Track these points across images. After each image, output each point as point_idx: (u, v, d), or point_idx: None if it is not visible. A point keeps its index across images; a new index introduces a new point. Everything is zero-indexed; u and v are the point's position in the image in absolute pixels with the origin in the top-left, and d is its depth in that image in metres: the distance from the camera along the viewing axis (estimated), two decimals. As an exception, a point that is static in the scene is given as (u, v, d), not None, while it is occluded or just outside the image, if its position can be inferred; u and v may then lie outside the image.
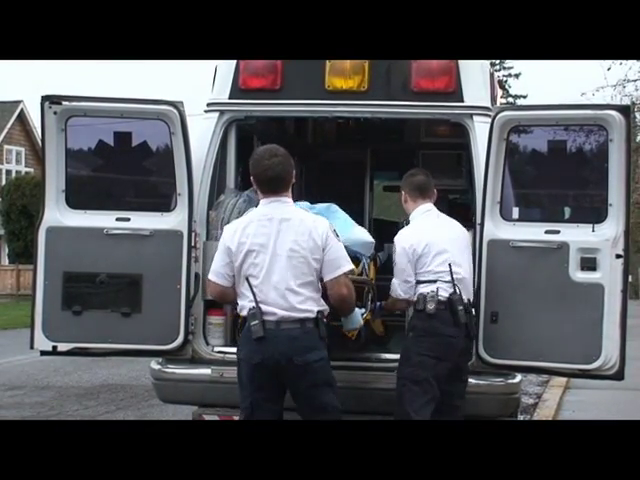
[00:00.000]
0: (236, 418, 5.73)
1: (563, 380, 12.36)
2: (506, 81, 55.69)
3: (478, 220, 6.03)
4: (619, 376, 5.81)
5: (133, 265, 6.10)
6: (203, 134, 6.46)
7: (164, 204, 6.20)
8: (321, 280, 5.33)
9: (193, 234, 6.12)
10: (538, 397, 12.04)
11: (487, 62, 6.72)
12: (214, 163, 6.43)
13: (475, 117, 6.32)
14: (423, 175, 6.20)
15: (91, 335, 6.13)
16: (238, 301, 5.40)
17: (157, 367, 6.37)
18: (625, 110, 5.78)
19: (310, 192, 8.29)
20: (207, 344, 6.30)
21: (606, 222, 5.80)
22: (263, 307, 5.24)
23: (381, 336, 6.60)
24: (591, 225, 5.83)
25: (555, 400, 11.61)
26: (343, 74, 6.41)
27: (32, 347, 6.18)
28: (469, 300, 5.82)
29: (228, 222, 6.12)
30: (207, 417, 6.22)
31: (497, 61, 52.36)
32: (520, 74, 57.01)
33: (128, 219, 6.15)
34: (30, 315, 6.16)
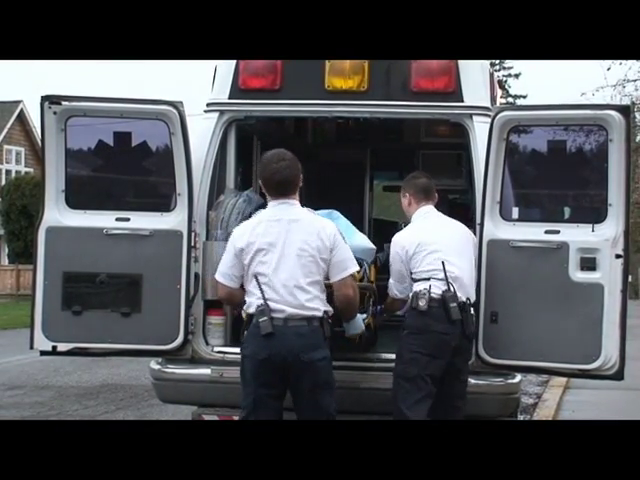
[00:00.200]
0: (236, 418, 5.73)
1: (563, 380, 12.36)
2: (506, 81, 55.69)
3: (478, 220, 6.02)
4: (619, 376, 5.81)
5: (133, 265, 6.09)
6: (203, 134, 6.46)
7: (164, 204, 6.20)
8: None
9: (193, 234, 6.11)
10: (538, 397, 12.04)
11: (487, 62, 6.72)
12: (214, 163, 6.42)
13: (475, 117, 6.32)
14: (426, 178, 6.24)
15: (91, 335, 6.13)
16: (246, 299, 5.42)
17: (157, 367, 6.36)
18: (625, 110, 5.78)
19: (310, 192, 8.26)
20: (207, 344, 6.30)
21: (606, 222, 5.80)
22: (271, 304, 5.26)
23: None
24: (591, 225, 5.83)
25: (555, 400, 11.61)
26: (343, 74, 6.41)
27: (32, 347, 6.18)
28: (468, 299, 5.82)
29: (228, 222, 6.13)
30: (207, 417, 6.22)
31: (497, 61, 52.38)
32: (520, 74, 57.13)
33: (128, 219, 6.14)
34: (30, 315, 6.16)
